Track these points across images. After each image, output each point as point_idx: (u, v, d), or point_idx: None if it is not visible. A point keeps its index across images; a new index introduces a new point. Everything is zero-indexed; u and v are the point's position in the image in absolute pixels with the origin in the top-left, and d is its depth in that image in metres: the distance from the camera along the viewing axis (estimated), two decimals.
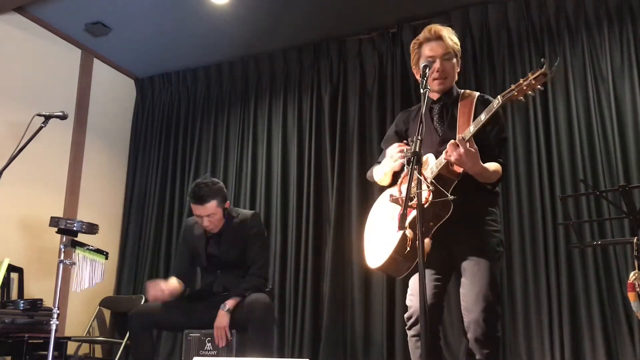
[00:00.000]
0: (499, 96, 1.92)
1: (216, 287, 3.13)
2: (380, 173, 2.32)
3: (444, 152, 2.02)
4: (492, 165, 2.09)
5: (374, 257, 2.21)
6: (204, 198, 2.97)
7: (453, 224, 2.02)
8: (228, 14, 4.25)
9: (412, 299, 2.19)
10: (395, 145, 2.24)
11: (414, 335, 2.17)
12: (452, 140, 1.97)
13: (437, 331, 2.21)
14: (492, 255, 2.11)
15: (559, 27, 3.86)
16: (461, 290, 2.11)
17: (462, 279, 2.10)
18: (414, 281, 2.20)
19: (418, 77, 2.26)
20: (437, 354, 2.24)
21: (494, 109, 1.92)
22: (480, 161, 2.00)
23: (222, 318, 2.92)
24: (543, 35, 3.89)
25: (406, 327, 2.21)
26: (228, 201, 3.16)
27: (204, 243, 3.18)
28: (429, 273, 2.13)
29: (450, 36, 2.24)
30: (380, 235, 2.22)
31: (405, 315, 2.21)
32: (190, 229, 3.27)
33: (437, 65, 2.19)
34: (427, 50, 2.22)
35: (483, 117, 1.95)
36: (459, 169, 2.04)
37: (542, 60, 1.86)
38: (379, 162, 2.41)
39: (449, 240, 2.09)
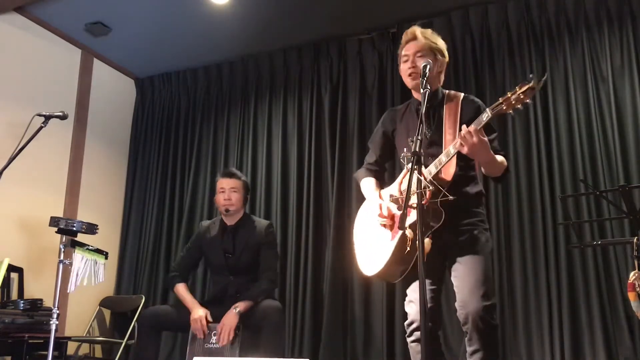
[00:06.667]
0: (488, 109, 1.92)
1: (229, 291, 3.21)
2: (364, 191, 2.42)
3: (455, 142, 2.00)
4: (499, 157, 2.11)
5: (369, 264, 2.24)
6: (234, 174, 3.36)
7: (443, 229, 2.03)
8: (228, 14, 4.25)
9: (412, 306, 2.20)
10: (380, 203, 2.22)
11: (414, 341, 2.18)
12: (465, 129, 1.95)
13: (437, 336, 2.22)
14: (483, 250, 2.13)
15: (559, 27, 3.85)
16: (455, 284, 2.11)
17: (457, 276, 2.11)
18: (412, 289, 2.23)
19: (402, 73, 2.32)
20: (440, 358, 2.24)
21: (483, 123, 1.92)
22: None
23: (232, 318, 2.98)
24: (543, 35, 3.89)
25: (406, 335, 2.21)
26: (248, 197, 3.43)
27: (220, 239, 3.28)
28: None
29: (425, 35, 2.26)
30: (373, 243, 2.24)
31: (406, 323, 2.22)
32: (204, 231, 3.38)
33: (409, 63, 2.24)
34: (404, 50, 2.28)
35: (484, 117, 1.94)
36: (449, 177, 2.06)
37: (530, 75, 1.85)
38: (368, 164, 2.50)
39: (440, 244, 2.09)
